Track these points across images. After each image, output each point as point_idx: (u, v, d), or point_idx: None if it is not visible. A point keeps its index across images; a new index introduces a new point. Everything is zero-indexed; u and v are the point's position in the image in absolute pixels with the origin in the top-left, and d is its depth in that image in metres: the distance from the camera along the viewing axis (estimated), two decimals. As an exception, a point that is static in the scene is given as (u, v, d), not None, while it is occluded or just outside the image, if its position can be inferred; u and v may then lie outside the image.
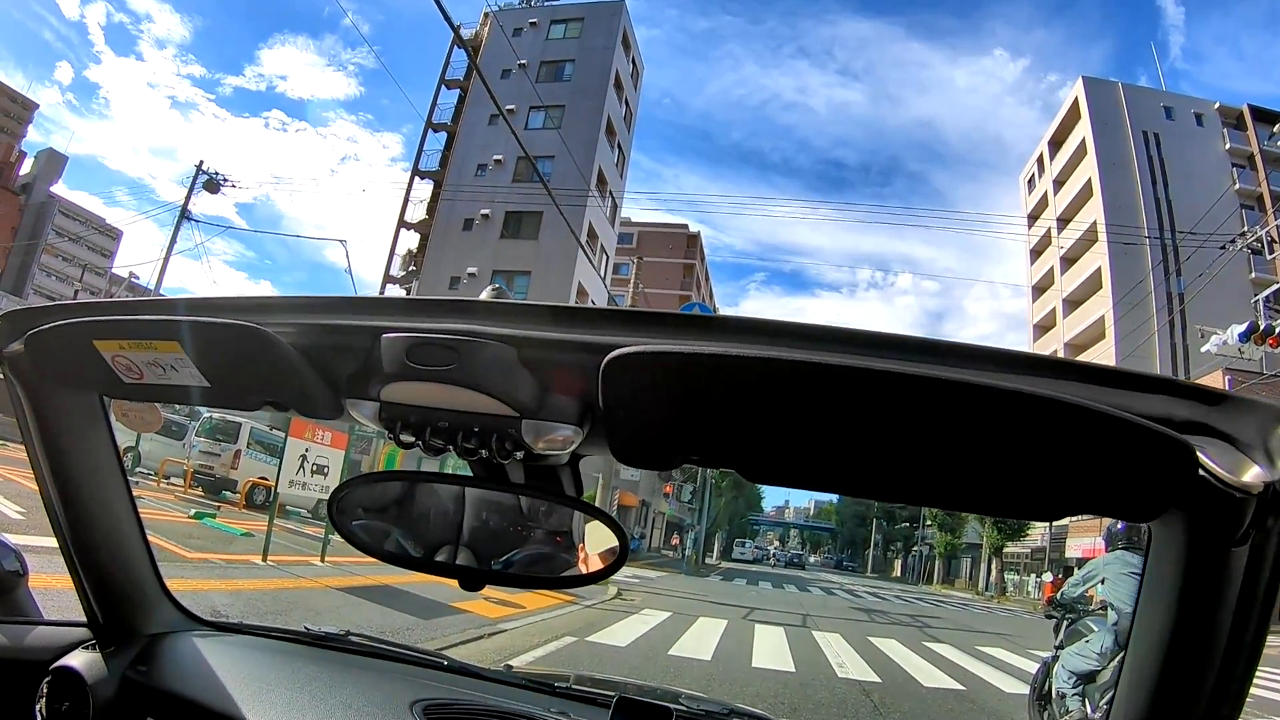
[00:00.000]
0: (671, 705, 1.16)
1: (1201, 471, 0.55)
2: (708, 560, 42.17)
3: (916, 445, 0.60)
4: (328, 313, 0.74)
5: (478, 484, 0.85)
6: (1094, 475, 0.59)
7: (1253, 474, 0.55)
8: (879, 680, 7.79)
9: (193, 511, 11.48)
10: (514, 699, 1.24)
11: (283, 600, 7.04)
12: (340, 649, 1.39)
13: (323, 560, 9.56)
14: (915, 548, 56.45)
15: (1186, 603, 0.63)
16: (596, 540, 0.83)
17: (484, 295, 0.78)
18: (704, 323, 0.64)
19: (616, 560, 0.82)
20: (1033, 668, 6.96)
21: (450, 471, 0.88)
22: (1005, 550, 38.99)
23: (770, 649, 9.12)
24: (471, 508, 0.86)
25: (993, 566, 40.26)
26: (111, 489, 1.13)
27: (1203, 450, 0.55)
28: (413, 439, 0.72)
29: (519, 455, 0.72)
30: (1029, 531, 36.64)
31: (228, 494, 15.93)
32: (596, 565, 0.82)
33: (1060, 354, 42.83)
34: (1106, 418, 0.54)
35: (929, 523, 47.22)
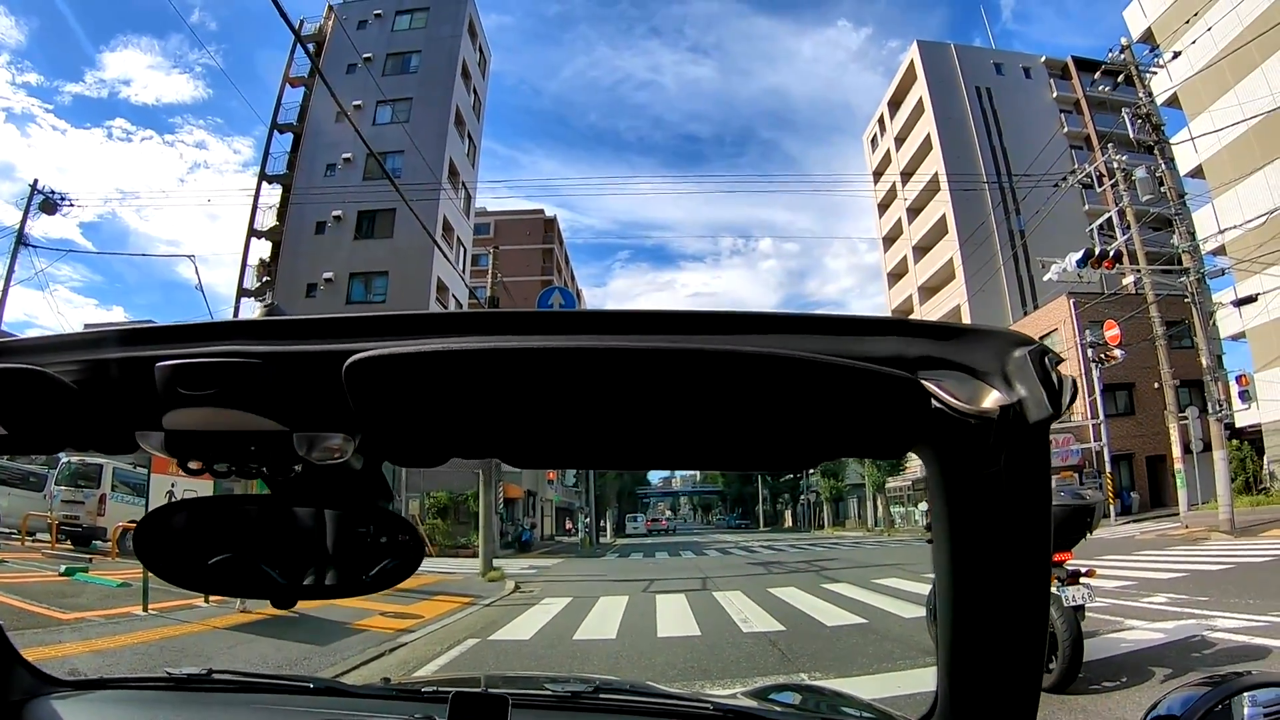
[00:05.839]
0: (510, 692, 1.13)
1: (935, 403, 0.58)
2: (602, 540, 42.72)
3: (669, 415, 0.63)
4: (105, 348, 0.72)
5: (274, 501, 0.83)
6: (837, 421, 0.62)
7: (991, 399, 0.58)
8: (784, 629, 8.06)
9: (63, 568, 10.54)
10: (384, 711, 1.22)
11: (170, 650, 6.53)
12: (203, 688, 1.33)
13: (207, 601, 8.84)
14: (802, 497, 58.95)
15: (960, 527, 0.66)
16: (394, 541, 0.84)
17: (256, 314, 0.78)
18: (444, 321, 0.64)
19: (414, 557, 0.84)
20: (926, 590, 7.36)
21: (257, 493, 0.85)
22: (887, 486, 41.34)
23: (674, 617, 9.26)
24: (276, 524, 0.84)
25: (878, 503, 42.62)
26: None
27: (938, 382, 0.58)
28: (199, 465, 0.74)
29: (298, 468, 0.73)
30: (906, 465, 38.94)
31: (98, 544, 14.66)
32: (398, 565, 0.83)
33: (914, 297, 45.80)
34: (831, 366, 0.57)
35: (812, 471, 49.35)
